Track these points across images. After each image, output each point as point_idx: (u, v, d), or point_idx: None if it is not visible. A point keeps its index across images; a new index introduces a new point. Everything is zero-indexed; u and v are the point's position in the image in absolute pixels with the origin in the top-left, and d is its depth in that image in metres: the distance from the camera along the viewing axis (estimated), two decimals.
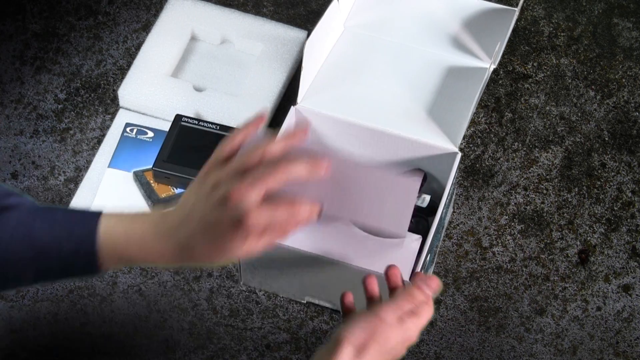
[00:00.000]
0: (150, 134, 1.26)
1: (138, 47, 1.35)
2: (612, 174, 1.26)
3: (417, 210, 1.13)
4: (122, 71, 1.33)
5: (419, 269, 0.98)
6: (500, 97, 1.32)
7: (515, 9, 1.19)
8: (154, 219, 0.80)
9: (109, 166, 1.23)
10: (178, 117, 1.23)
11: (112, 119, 1.28)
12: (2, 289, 0.86)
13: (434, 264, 1.16)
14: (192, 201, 0.78)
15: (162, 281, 1.16)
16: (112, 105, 1.30)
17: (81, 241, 0.79)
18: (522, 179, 1.25)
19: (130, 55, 1.35)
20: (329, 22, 1.15)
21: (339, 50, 1.18)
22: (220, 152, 0.80)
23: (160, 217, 0.80)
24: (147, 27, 1.37)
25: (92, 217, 0.80)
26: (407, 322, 0.81)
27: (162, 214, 0.80)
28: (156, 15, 1.38)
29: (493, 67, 1.14)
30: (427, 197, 1.13)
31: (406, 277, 1.06)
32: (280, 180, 0.76)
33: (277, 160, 0.77)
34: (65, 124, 1.29)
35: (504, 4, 1.23)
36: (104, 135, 1.27)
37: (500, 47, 1.14)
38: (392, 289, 0.86)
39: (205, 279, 1.17)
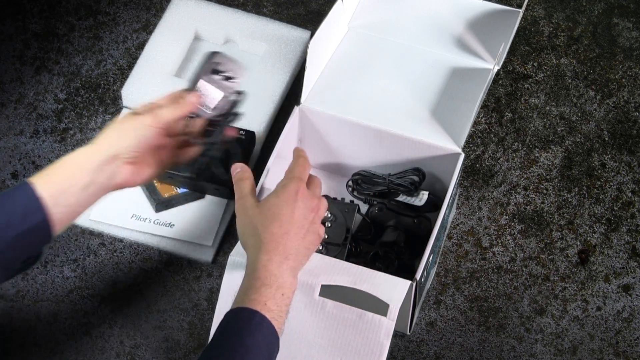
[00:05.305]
0: None
1: (138, 47, 1.35)
2: (612, 174, 1.26)
3: (417, 209, 1.13)
4: (122, 71, 1.33)
5: (421, 269, 0.98)
6: (500, 97, 1.32)
7: (519, 10, 1.19)
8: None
9: None
10: None
11: (112, 119, 1.28)
12: None
13: (436, 265, 1.16)
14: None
15: (162, 281, 1.16)
16: (112, 105, 1.30)
17: (27, 210, 0.85)
18: (522, 179, 1.25)
19: (130, 55, 1.34)
20: (333, 22, 1.15)
21: (342, 50, 1.18)
22: None
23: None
24: (147, 27, 1.37)
25: (23, 188, 0.86)
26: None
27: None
28: (156, 15, 1.38)
29: (497, 68, 1.14)
30: (425, 194, 1.12)
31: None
32: None
33: None
34: (65, 124, 1.28)
35: (504, 4, 1.24)
36: None
37: (504, 49, 1.14)
38: None
39: (205, 279, 1.17)
